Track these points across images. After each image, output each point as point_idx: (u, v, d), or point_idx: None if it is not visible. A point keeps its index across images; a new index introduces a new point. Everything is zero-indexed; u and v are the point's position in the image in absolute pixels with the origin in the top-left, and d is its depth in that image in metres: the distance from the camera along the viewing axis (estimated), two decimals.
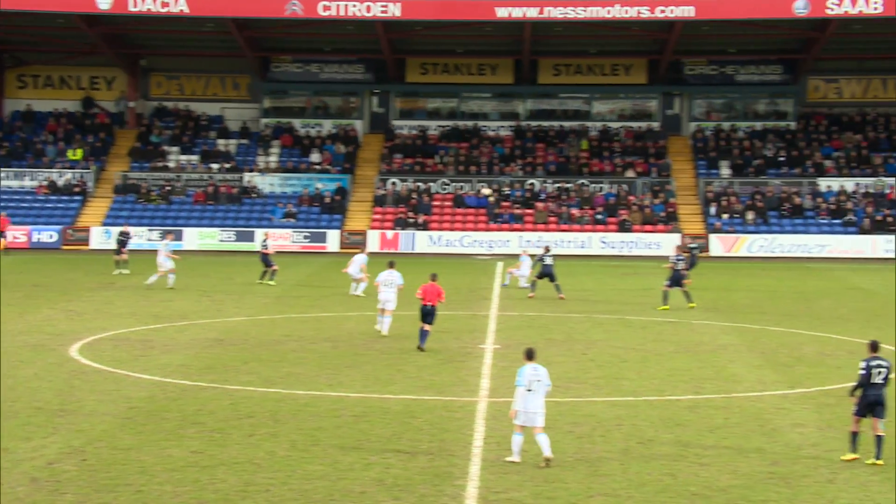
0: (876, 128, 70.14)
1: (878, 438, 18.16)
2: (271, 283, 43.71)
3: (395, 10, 60.25)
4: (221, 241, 63.43)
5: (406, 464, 17.82)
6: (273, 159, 70.49)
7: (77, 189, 67.45)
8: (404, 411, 21.57)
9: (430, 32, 68.09)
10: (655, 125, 71.57)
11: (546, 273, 40.36)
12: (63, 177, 68.26)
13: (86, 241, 63.44)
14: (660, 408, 22.12)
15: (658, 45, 68.42)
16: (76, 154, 69.83)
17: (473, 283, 45.64)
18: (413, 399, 22.79)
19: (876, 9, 58.39)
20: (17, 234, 62.70)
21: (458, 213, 66.18)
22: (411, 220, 64.80)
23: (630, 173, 68.22)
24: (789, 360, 27.64)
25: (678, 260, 37.92)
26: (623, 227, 63.72)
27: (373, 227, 64.78)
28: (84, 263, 52.93)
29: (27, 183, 68.07)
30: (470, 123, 72.14)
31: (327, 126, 72.67)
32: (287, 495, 16.16)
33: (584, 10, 59.79)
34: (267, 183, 68.45)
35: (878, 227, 62.96)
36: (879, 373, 18.23)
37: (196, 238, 63.44)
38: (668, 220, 64.37)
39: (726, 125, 71.15)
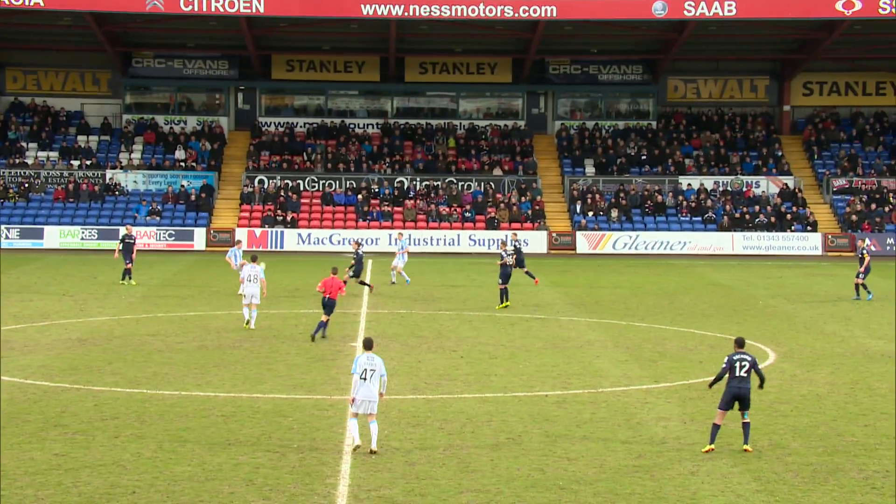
0: (733, 127, 72.08)
1: (745, 426, 18.73)
2: (132, 282, 42.71)
3: (258, 6, 59.66)
4: (83, 239, 61.99)
5: (276, 463, 17.70)
6: (136, 156, 69.18)
7: None
8: (274, 410, 21.41)
9: (295, 29, 67.63)
10: (521, 124, 72.35)
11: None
12: None
13: None
14: (529, 403, 22.38)
15: (522, 45, 69.16)
16: None
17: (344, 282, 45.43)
18: (283, 398, 22.63)
19: (730, 11, 60.00)
20: None
21: (326, 211, 65.89)
22: (279, 218, 64.30)
23: (497, 171, 68.83)
24: (653, 356, 28.23)
25: (507, 255, 37.34)
26: (491, 225, 64.27)
27: (240, 225, 64.07)
28: None
29: None
30: (337, 121, 71.89)
31: (192, 122, 71.62)
32: (154, 497, 15.89)
33: (449, 9, 60.07)
34: (130, 180, 67.14)
35: (737, 224, 64.73)
36: (742, 366, 18.73)
37: (57, 236, 61.92)
38: (535, 218, 65.16)
39: (590, 124, 72.30)
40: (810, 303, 38.98)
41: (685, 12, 60.27)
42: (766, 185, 67.82)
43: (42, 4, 59.44)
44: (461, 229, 64.12)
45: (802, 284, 46.28)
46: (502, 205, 65.68)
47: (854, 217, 64.87)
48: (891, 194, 67.05)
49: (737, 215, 65.09)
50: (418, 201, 66.26)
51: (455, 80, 72.14)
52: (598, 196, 66.57)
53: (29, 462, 17.42)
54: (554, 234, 63.66)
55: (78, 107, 71.91)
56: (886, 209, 65.84)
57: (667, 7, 60.10)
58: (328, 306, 29.98)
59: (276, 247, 62.04)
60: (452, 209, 65.63)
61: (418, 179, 67.81)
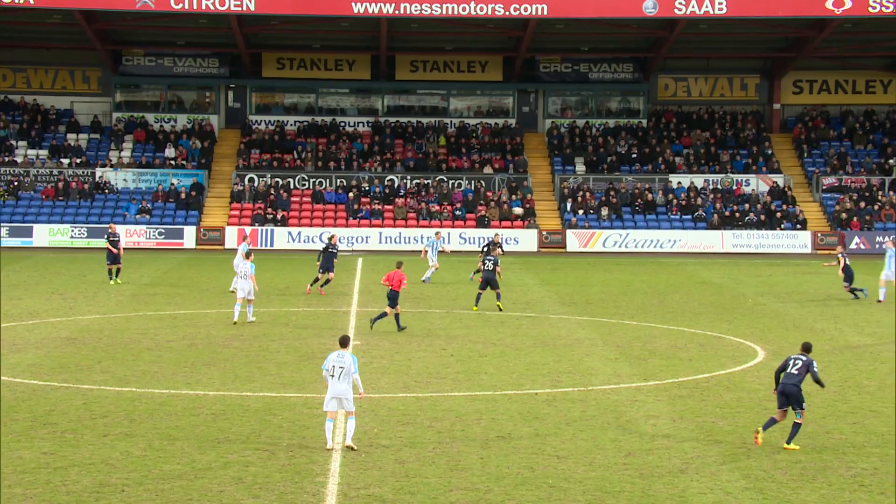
0: (723, 125, 72.18)
1: (794, 426, 18.96)
2: (118, 281, 42.56)
3: (249, 4, 59.55)
4: (73, 237, 61.85)
5: (266, 461, 17.69)
6: (126, 154, 69.05)
7: None
8: (264, 409, 21.40)
9: (286, 27, 67.55)
10: (512, 122, 72.38)
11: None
12: None
13: None
14: (518, 401, 22.39)
15: (513, 43, 69.18)
16: None
17: (334, 280, 45.45)
18: (273, 396, 22.62)
19: (721, 9, 60.06)
20: None
21: (317, 209, 65.84)
22: (270, 217, 64.22)
23: (488, 169, 68.84)
24: (643, 353, 28.26)
25: (488, 260, 36.24)
26: (481, 223, 64.29)
27: (230, 224, 63.99)
28: None
29: None
30: (328, 119, 71.85)
31: (182, 121, 71.51)
32: (143, 496, 15.88)
33: (440, 7, 60.05)
34: (120, 178, 67.03)
35: (727, 223, 64.83)
36: (795, 364, 19.03)
37: (46, 235, 61.77)
38: (526, 216, 65.18)
39: (580, 122, 72.34)
40: (799, 301, 39.04)
41: (676, 10, 60.33)
42: (756, 184, 67.94)
43: (32, 2, 59.29)
44: (451, 227, 64.12)
45: (792, 282, 46.36)
46: (492, 203, 65.69)
47: (843, 215, 65.00)
48: (880, 192, 67.20)
49: (727, 213, 65.19)
50: (408, 199, 66.24)
51: (446, 78, 72.15)
52: (588, 194, 66.62)
53: (17, 461, 17.39)
54: (544, 233, 63.70)
55: (68, 105, 71.76)
56: (875, 207, 66.00)
57: (657, 5, 60.15)
58: (392, 298, 30.97)
59: (266, 245, 61.96)
60: (443, 207, 65.64)
61: (409, 178, 67.78)
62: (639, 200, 66.31)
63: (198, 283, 43.77)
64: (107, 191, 66.03)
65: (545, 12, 60.20)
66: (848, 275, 39.05)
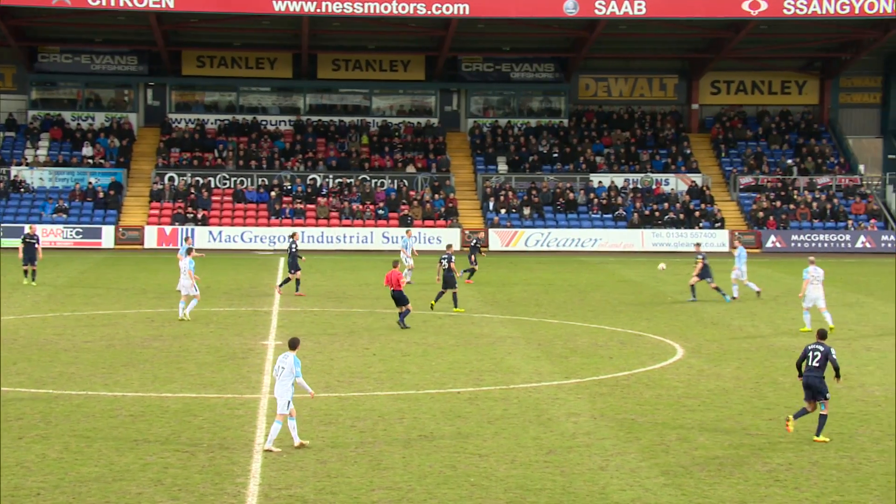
0: (643, 125, 72.96)
1: (821, 418, 19.24)
2: (33, 283, 41.82)
3: (168, 2, 58.90)
4: None
5: (185, 463, 17.52)
6: (42, 153, 67.95)
7: None
8: (183, 409, 21.19)
9: (206, 25, 66.94)
10: (434, 121, 72.46)
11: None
12: None
13: None
14: (441, 400, 22.43)
15: (435, 42, 69.28)
16: None
17: (255, 279, 45.19)
18: (193, 397, 22.41)
19: (640, 10, 60.73)
20: None
21: (238, 209, 65.34)
22: (190, 216, 63.59)
23: (410, 169, 68.85)
24: (564, 352, 28.45)
25: (444, 259, 36.29)
26: (404, 222, 64.27)
27: (150, 223, 63.27)
28: None
29: None
30: (249, 117, 71.34)
31: (100, 119, 70.54)
32: (59, 499, 15.64)
33: (362, 6, 59.93)
34: (36, 177, 65.96)
35: (647, 222, 65.54)
36: (815, 356, 19.24)
37: None
38: (448, 215, 65.30)
39: (503, 122, 72.66)
40: (717, 298, 39.56)
41: (596, 11, 60.86)
42: (676, 183, 68.76)
43: None
44: (374, 226, 64.03)
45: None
46: (415, 202, 65.72)
47: (760, 214, 66.05)
48: (795, 191, 68.37)
49: (646, 212, 65.91)
50: (331, 199, 66.02)
51: (368, 77, 72.03)
52: (510, 193, 66.93)
53: None
54: (467, 232, 63.86)
55: None
56: (791, 206, 67.13)
57: (578, 6, 60.62)
58: (396, 299, 31.34)
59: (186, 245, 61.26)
60: (366, 206, 65.52)
61: (331, 177, 67.55)
62: (560, 200, 66.76)
63: (116, 283, 43.22)
64: (22, 190, 64.93)
65: (467, 12, 60.36)
66: (705, 274, 39.16)
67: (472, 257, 44.67)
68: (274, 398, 18.60)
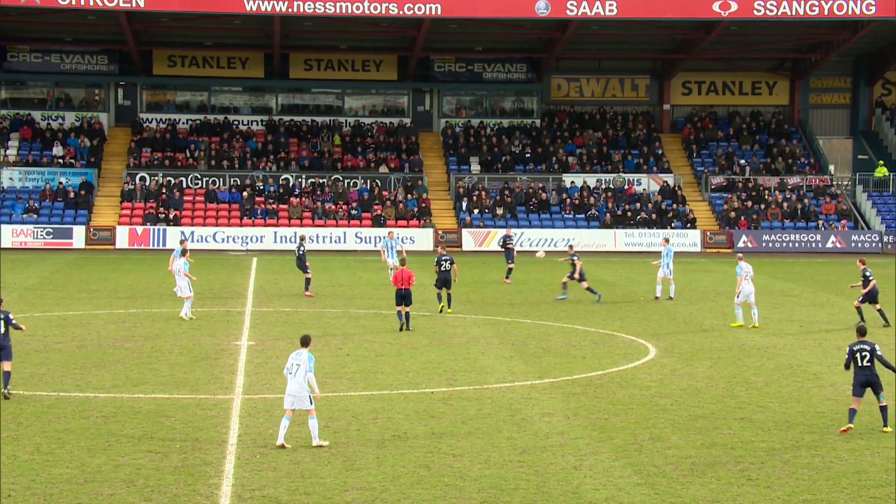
0: (615, 126, 73.16)
1: (882, 409, 19.82)
2: None
3: (138, 1, 58.61)
4: None
5: (158, 464, 17.45)
6: (12, 152, 67.47)
7: None
8: (156, 410, 21.10)
9: (177, 24, 66.64)
10: (407, 121, 72.42)
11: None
12: None
13: None
14: (414, 400, 22.43)
15: (407, 42, 69.24)
16: None
17: (228, 280, 45.04)
18: (165, 398, 22.32)
19: (611, 11, 60.91)
20: None
21: (210, 209, 65.09)
22: (162, 216, 63.31)
23: (383, 169, 68.79)
24: (538, 351, 28.50)
25: (444, 260, 35.74)
26: (377, 222, 64.22)
27: (121, 223, 62.95)
28: None
29: None
30: (221, 117, 71.09)
31: (70, 118, 70.11)
32: (31, 501, 15.55)
33: (334, 6, 59.82)
34: (6, 177, 65.49)
35: (619, 222, 65.75)
36: (864, 356, 19.73)
37: None
38: (421, 215, 65.29)
39: (475, 122, 72.70)
40: (689, 299, 39.73)
41: (567, 11, 60.99)
42: (648, 183, 69.00)
43: None
44: (347, 227, 63.95)
45: (682, 280, 47.11)
46: (388, 202, 65.67)
47: (732, 214, 66.37)
48: (766, 192, 68.72)
49: (619, 213, 66.10)
50: (304, 199, 65.88)
51: (340, 77, 71.92)
52: (483, 193, 66.99)
53: None
54: (440, 232, 63.88)
55: None
56: (762, 206, 67.49)
57: (550, 6, 60.74)
58: (405, 297, 31.27)
59: (158, 245, 61.06)
60: (338, 206, 65.42)
61: (304, 177, 67.41)
62: (533, 200, 66.88)
63: (87, 283, 42.97)
64: None
65: (439, 12, 60.37)
66: (580, 276, 39.31)
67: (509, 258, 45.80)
68: (291, 395, 18.54)
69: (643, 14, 62.34)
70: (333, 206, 65.30)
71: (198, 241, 61.79)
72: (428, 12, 60.33)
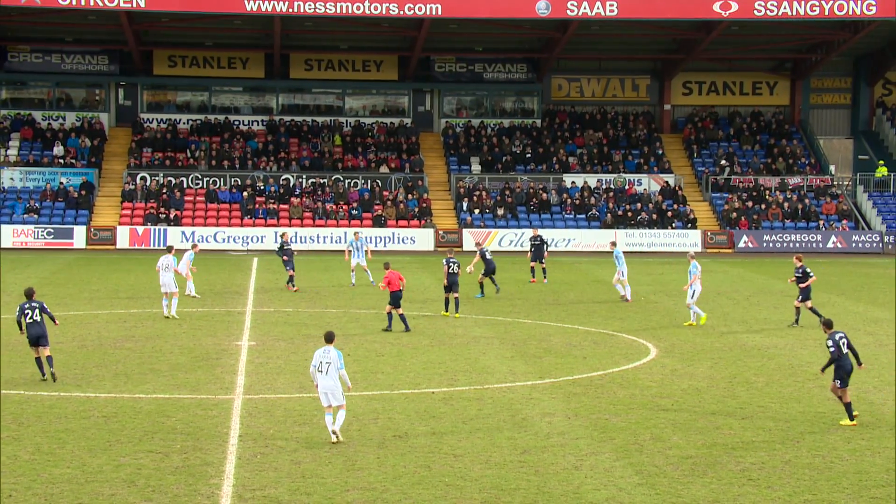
0: (615, 126, 73.16)
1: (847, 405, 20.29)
2: None
3: (139, 1, 58.63)
4: None
5: (159, 464, 17.45)
6: (12, 152, 67.50)
7: None
8: (157, 410, 21.10)
9: (178, 24, 66.65)
10: (407, 121, 72.43)
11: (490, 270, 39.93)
12: None
13: None
14: (415, 400, 22.43)
15: (408, 42, 69.25)
16: None
17: (228, 280, 45.06)
18: (166, 398, 22.32)
19: (612, 11, 60.92)
20: None
21: (211, 209, 65.09)
22: (162, 216, 63.32)
23: (384, 169, 68.79)
24: (538, 352, 28.50)
25: (452, 262, 35.60)
26: (378, 223, 64.22)
27: (122, 223, 62.96)
28: None
29: None
30: (221, 117, 71.09)
31: (71, 118, 70.14)
32: (31, 501, 15.55)
33: (334, 6, 59.84)
34: (6, 177, 65.50)
35: (619, 222, 65.73)
36: (844, 343, 20.18)
37: None
38: (422, 216, 65.30)
39: (476, 122, 72.71)
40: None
41: (568, 12, 60.99)
42: (648, 183, 68.99)
43: None
44: (348, 227, 63.94)
45: (683, 280, 47.03)
46: (389, 202, 65.68)
47: (733, 214, 66.37)
48: (767, 192, 68.72)
49: (619, 213, 66.09)
50: (304, 199, 65.88)
51: (341, 77, 71.92)
52: (483, 193, 66.98)
53: None
54: (440, 232, 63.88)
55: None
56: (763, 206, 67.48)
57: (550, 6, 60.73)
58: (397, 299, 31.28)
59: (158, 245, 61.00)
60: (339, 207, 65.41)
61: (304, 177, 67.41)
62: (533, 200, 66.87)
63: (88, 283, 42.98)
64: None
65: (439, 12, 60.38)
66: (489, 269, 39.55)
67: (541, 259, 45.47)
68: (325, 392, 18.85)
69: (644, 14, 62.34)
70: (334, 207, 65.31)
71: (198, 241, 61.69)
72: (428, 12, 60.33)
